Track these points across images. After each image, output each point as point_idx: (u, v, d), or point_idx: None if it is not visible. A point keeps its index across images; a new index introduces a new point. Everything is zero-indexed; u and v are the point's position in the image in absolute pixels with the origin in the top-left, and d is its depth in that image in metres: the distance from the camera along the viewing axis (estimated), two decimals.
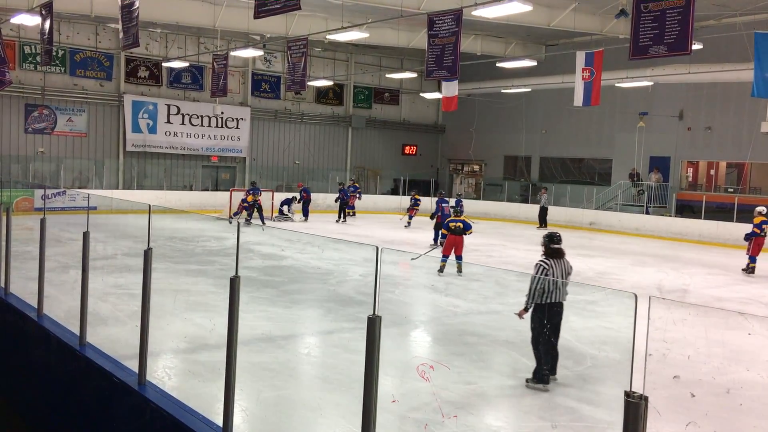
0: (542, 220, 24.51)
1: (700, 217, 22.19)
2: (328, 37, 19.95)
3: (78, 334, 6.77)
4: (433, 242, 17.55)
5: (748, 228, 15.61)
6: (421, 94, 31.81)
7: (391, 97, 33.03)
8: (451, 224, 13.21)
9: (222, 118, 27.91)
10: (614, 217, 24.41)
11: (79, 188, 24.06)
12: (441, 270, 13.00)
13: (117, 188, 25.41)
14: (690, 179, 25.88)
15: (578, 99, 17.70)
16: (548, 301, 6.47)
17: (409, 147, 33.75)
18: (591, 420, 5.87)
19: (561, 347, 8.10)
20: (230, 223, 21.66)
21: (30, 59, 24.07)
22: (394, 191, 30.92)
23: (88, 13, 19.87)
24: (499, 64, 23.10)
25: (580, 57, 17.54)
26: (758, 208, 15.62)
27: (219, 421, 4.76)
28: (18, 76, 23.59)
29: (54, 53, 22.23)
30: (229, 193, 24.20)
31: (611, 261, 16.57)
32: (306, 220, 23.61)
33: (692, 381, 6.80)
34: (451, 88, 23.16)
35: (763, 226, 15.19)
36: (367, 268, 11.06)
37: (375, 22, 17.70)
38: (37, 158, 24.58)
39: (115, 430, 6.05)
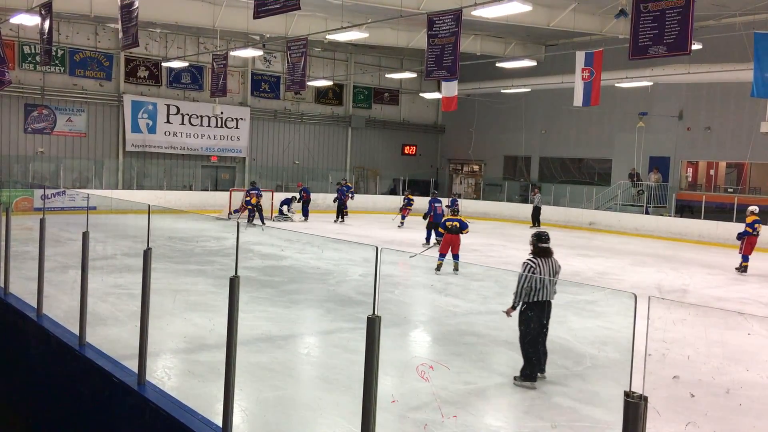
0: (535, 220, 24.60)
1: (699, 217, 22.20)
2: (328, 37, 19.95)
3: (77, 334, 6.77)
4: (425, 241, 17.60)
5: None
6: (421, 94, 31.81)
7: (390, 97, 33.03)
8: (447, 223, 13.39)
9: (221, 118, 27.91)
10: (614, 217, 24.42)
11: (79, 188, 24.05)
12: (438, 268, 13.15)
13: (116, 188, 25.40)
14: (689, 179, 25.89)
15: (578, 99, 17.72)
16: (536, 299, 6.52)
17: (408, 147, 33.75)
18: (590, 420, 5.87)
19: (561, 347, 8.09)
20: (229, 218, 21.68)
21: (29, 59, 24.07)
22: (393, 191, 30.91)
23: (87, 13, 19.87)
24: (498, 64, 23.11)
25: (580, 57, 17.55)
26: (750, 208, 15.72)
27: (218, 421, 4.76)
28: (17, 76, 23.58)
29: (53, 53, 22.27)
30: (228, 193, 24.20)
31: (611, 261, 16.57)
32: (306, 220, 23.61)
33: (692, 381, 6.80)
34: (450, 88, 23.17)
35: (756, 226, 15.27)
36: (367, 268, 11.06)
37: (374, 22, 17.70)
38: (36, 158, 24.58)
39: (114, 430, 6.05)
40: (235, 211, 22.21)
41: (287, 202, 23.86)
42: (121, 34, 14.21)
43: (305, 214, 23.92)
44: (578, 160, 28.97)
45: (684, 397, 6.30)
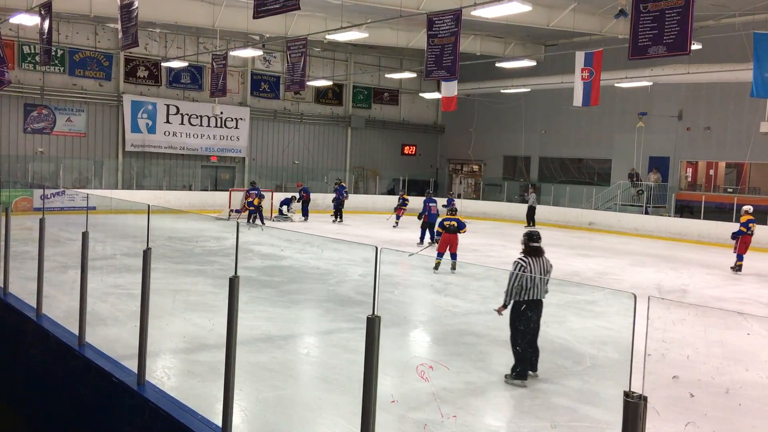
0: (530, 219, 24.66)
1: (699, 218, 22.21)
2: (328, 37, 19.95)
3: (77, 334, 6.76)
4: (419, 241, 17.63)
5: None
6: (421, 94, 31.82)
7: (390, 97, 33.03)
8: (445, 222, 13.52)
9: (221, 118, 27.90)
10: (613, 218, 24.42)
11: (79, 188, 24.05)
12: (436, 267, 13.27)
13: (116, 188, 25.40)
14: (689, 179, 25.90)
15: (577, 99, 17.72)
16: (526, 298, 6.56)
17: (408, 147, 33.75)
18: (590, 420, 5.87)
19: (561, 347, 8.10)
20: (228, 218, 21.68)
21: (29, 59, 24.07)
22: (392, 192, 30.91)
23: (87, 13, 19.87)
24: (498, 64, 23.11)
25: (580, 57, 17.55)
26: (745, 207, 15.83)
27: (218, 421, 4.76)
28: (17, 76, 23.56)
29: (53, 53, 22.25)
30: (228, 193, 24.20)
31: (610, 261, 16.57)
32: (306, 219, 23.61)
33: (691, 381, 6.80)
34: (450, 88, 23.17)
35: (750, 225, 15.36)
36: (367, 268, 11.06)
37: (374, 22, 17.70)
38: (36, 158, 24.57)
39: (114, 430, 6.04)
40: (237, 211, 22.19)
41: (287, 202, 23.86)
42: (120, 34, 14.20)
43: (305, 214, 23.92)
44: (578, 160, 28.97)
45: (683, 397, 6.31)
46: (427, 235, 17.57)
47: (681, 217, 23.39)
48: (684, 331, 7.59)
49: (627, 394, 2.79)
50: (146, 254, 5.60)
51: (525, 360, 6.57)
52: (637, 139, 25.04)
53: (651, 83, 23.02)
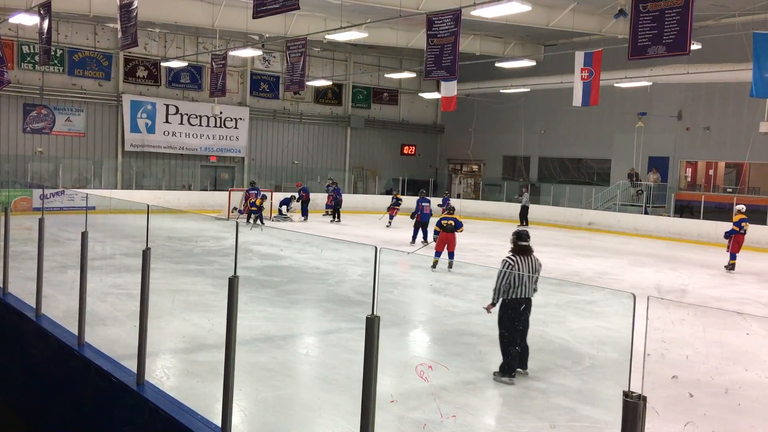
0: (523, 218, 24.77)
1: (698, 218, 22.21)
2: (327, 37, 19.95)
3: (76, 334, 6.76)
4: (411, 240, 17.68)
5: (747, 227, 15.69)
6: (420, 94, 31.82)
7: (389, 97, 33.03)
8: (443, 221, 13.65)
9: (221, 118, 27.90)
10: (613, 218, 24.43)
11: (78, 188, 24.04)
12: (434, 266, 13.41)
13: (115, 188, 25.39)
14: (689, 179, 25.91)
15: (577, 99, 17.73)
16: (514, 296, 6.63)
17: (407, 147, 33.75)
18: (589, 420, 5.87)
19: (560, 347, 8.11)
20: (227, 218, 21.67)
21: (28, 59, 24.06)
22: (389, 192, 30.87)
23: (86, 12, 19.86)
24: (498, 64, 23.12)
25: (579, 57, 17.56)
26: (738, 207, 16.01)
27: (218, 421, 4.76)
28: (16, 76, 23.55)
29: (52, 53, 22.25)
30: (227, 193, 24.20)
31: (610, 261, 16.58)
32: (305, 219, 23.62)
33: (691, 381, 6.80)
34: (450, 88, 23.18)
35: (743, 224, 15.49)
36: (366, 268, 11.06)
37: (374, 22, 17.70)
38: (35, 158, 24.57)
39: (113, 430, 6.04)
40: (240, 211, 22.12)
41: (286, 202, 23.87)
42: (120, 34, 14.20)
43: (304, 213, 23.93)
44: (577, 160, 28.98)
45: (683, 397, 6.31)
46: (420, 234, 17.66)
47: (680, 217, 23.40)
48: (683, 331, 7.59)
49: (626, 394, 2.79)
50: (145, 254, 5.60)
51: (513, 358, 6.64)
52: (637, 139, 25.04)
53: (650, 83, 23.02)
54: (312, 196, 24.75)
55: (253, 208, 21.29)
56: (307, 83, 22.83)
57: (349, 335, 8.15)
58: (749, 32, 15.26)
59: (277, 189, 26.82)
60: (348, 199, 27.01)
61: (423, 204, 17.67)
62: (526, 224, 24.10)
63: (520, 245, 6.94)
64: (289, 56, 16.52)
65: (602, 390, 6.67)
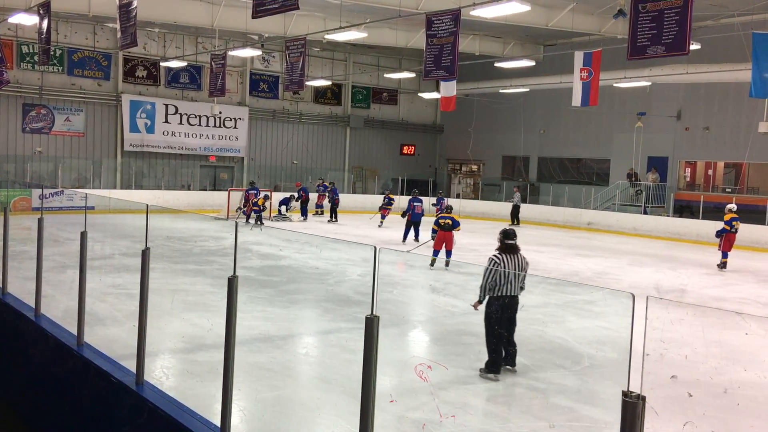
0: (514, 218, 24.89)
1: (698, 217, 22.22)
2: (327, 36, 19.94)
3: (75, 333, 6.75)
4: (402, 240, 17.74)
5: (746, 228, 15.76)
6: (420, 94, 31.82)
7: (389, 97, 33.03)
8: (441, 221, 13.87)
9: (220, 117, 27.89)
10: (612, 217, 24.43)
11: (77, 188, 24.03)
12: (432, 264, 13.62)
13: (115, 188, 25.39)
14: (688, 179, 25.92)
15: (576, 99, 17.74)
16: (499, 294, 6.71)
17: (407, 147, 33.75)
18: (589, 420, 5.88)
19: (559, 347, 8.11)
20: (227, 218, 21.67)
21: (28, 59, 24.04)
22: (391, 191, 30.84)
23: (85, 12, 19.86)
24: (497, 64, 23.13)
25: (578, 57, 17.57)
26: (729, 206, 16.13)
27: (217, 421, 4.76)
28: (16, 76, 23.55)
29: (52, 53, 22.22)
30: (227, 192, 24.19)
31: (609, 261, 16.58)
32: (305, 219, 23.62)
33: (690, 381, 6.80)
34: (449, 88, 23.17)
35: (734, 223, 15.61)
36: (366, 268, 11.06)
37: (373, 21, 17.70)
38: (34, 158, 24.55)
39: (112, 430, 6.04)
40: (244, 212, 22.07)
41: (285, 201, 23.87)
42: (119, 34, 14.20)
43: (304, 213, 23.93)
44: (577, 160, 28.99)
45: (682, 397, 6.31)
46: (412, 233, 17.72)
47: (680, 216, 23.40)
48: (682, 331, 7.60)
49: (625, 394, 2.79)
50: (145, 254, 5.59)
51: (498, 354, 6.72)
52: (636, 139, 25.06)
53: (650, 83, 23.03)
54: (311, 196, 24.74)
55: (255, 208, 21.32)
56: (307, 83, 22.85)
57: (348, 335, 8.15)
58: (748, 32, 15.27)
59: (276, 189, 26.81)
60: (347, 199, 27.02)
61: (415, 204, 17.76)
62: (518, 224, 24.27)
63: (507, 244, 7.03)
64: (288, 56, 16.51)
65: (601, 390, 6.67)
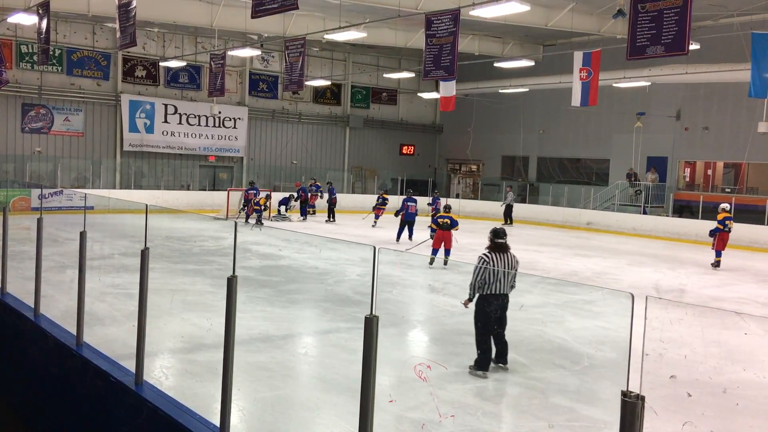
0: (508, 217, 24.96)
1: (697, 217, 22.23)
2: (326, 36, 19.94)
3: (75, 333, 6.76)
4: (396, 239, 17.84)
5: (745, 228, 15.77)
6: (419, 94, 31.81)
7: (388, 97, 33.02)
8: (439, 220, 14.02)
9: (219, 117, 27.89)
10: (612, 217, 24.44)
11: (77, 188, 24.02)
12: (431, 262, 13.73)
13: (114, 188, 25.37)
14: (687, 179, 25.93)
15: (576, 99, 17.76)
16: (489, 292, 6.79)
17: (406, 147, 33.75)
18: (588, 420, 5.88)
19: (559, 347, 8.12)
20: (226, 218, 21.67)
21: (27, 58, 24.03)
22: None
23: (85, 12, 19.83)
24: (496, 64, 23.13)
25: (578, 57, 17.58)
26: (722, 205, 16.23)
27: (216, 421, 4.76)
28: (15, 76, 23.54)
29: (51, 53, 22.23)
30: (226, 192, 24.18)
31: (609, 261, 16.59)
32: (304, 219, 23.61)
33: (689, 381, 6.81)
34: (448, 88, 23.18)
35: (727, 222, 15.71)
36: (365, 268, 11.06)
37: (373, 21, 17.70)
38: (33, 158, 24.54)
39: (112, 430, 6.04)
40: (246, 213, 22.04)
41: (285, 201, 23.87)
42: (118, 34, 14.19)
43: (303, 213, 23.92)
44: (576, 160, 28.99)
45: (681, 397, 6.31)
46: (405, 233, 17.82)
47: (680, 216, 23.42)
48: (682, 331, 7.61)
49: (625, 394, 2.79)
50: (144, 254, 5.59)
51: (487, 352, 6.77)
52: (636, 139, 25.06)
53: (649, 83, 23.03)
54: (311, 196, 24.72)
55: (256, 207, 21.33)
56: (306, 83, 22.82)
57: (347, 335, 8.15)
58: (748, 32, 15.29)
59: (275, 189, 26.81)
60: (346, 199, 27.02)
61: (409, 204, 17.84)
62: (510, 223, 24.39)
63: (497, 242, 7.10)
64: (287, 56, 16.51)
65: (601, 390, 6.67)
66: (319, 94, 31.11)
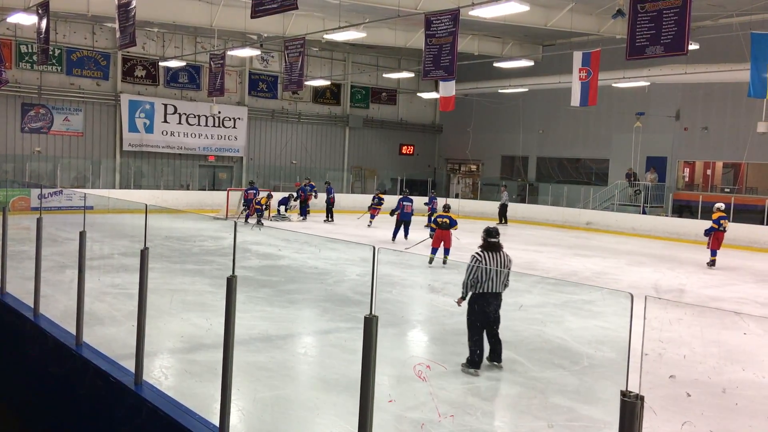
0: (502, 216, 25.05)
1: (696, 217, 22.24)
2: (326, 36, 19.95)
3: (74, 333, 6.75)
4: (392, 239, 17.90)
5: (744, 227, 15.80)
6: (419, 94, 31.82)
7: (388, 97, 33.03)
8: (438, 219, 14.11)
9: (219, 117, 27.89)
10: (611, 217, 24.45)
11: (76, 188, 24.01)
12: (430, 261, 13.85)
13: (114, 188, 25.37)
14: (686, 179, 25.94)
15: (575, 99, 17.76)
16: (481, 291, 6.85)
17: (406, 147, 33.75)
18: (587, 420, 5.88)
19: (558, 347, 8.12)
20: (225, 217, 21.67)
21: (26, 58, 24.02)
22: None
23: (84, 12, 19.83)
24: (496, 64, 23.13)
25: (577, 57, 17.58)
26: (717, 205, 16.41)
27: (216, 421, 4.76)
28: (14, 76, 23.54)
29: (50, 52, 22.22)
30: (226, 192, 24.18)
31: (608, 261, 16.60)
32: (304, 219, 23.61)
33: (688, 380, 6.81)
34: (448, 88, 23.18)
35: (721, 222, 15.83)
36: (364, 268, 11.07)
37: (372, 21, 17.70)
38: (33, 157, 24.53)
39: (111, 430, 6.04)
40: (248, 214, 22.02)
41: (284, 201, 23.87)
42: (118, 34, 14.19)
43: (303, 213, 23.92)
44: (575, 160, 29.00)
45: (680, 397, 6.32)
46: (401, 233, 17.94)
47: (679, 216, 23.43)
48: (681, 331, 7.61)
49: (624, 394, 2.79)
50: (144, 254, 5.59)
51: (478, 350, 6.81)
52: (635, 139, 25.07)
53: (648, 83, 23.04)
54: (319, 196, 24.70)
55: (258, 206, 21.33)
56: (306, 83, 22.83)
57: (347, 335, 8.15)
58: (747, 32, 15.29)
59: (274, 189, 26.80)
60: (346, 199, 27.03)
61: (404, 203, 17.88)
62: (505, 222, 24.45)
63: (489, 242, 7.14)
64: (287, 56, 16.51)
65: (600, 389, 6.68)
66: (318, 94, 31.11)
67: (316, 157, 31.13)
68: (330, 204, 23.83)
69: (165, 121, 26.80)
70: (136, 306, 5.71)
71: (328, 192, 24.12)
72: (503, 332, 7.02)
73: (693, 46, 12.27)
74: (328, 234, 19.81)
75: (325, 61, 30.60)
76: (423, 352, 8.23)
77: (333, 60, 30.90)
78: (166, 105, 26.82)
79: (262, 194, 21.94)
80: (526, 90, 27.38)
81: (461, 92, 27.49)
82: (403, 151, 33.69)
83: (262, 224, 21.32)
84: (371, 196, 27.86)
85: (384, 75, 30.57)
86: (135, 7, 13.54)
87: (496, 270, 6.92)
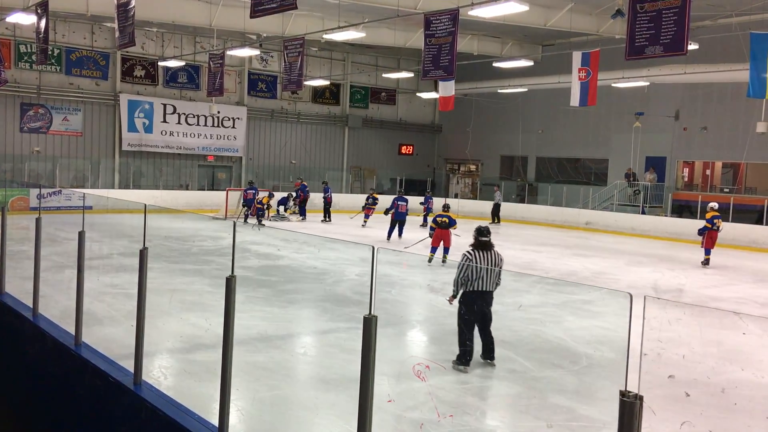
0: (495, 216, 25.22)
1: (696, 217, 22.25)
2: (325, 36, 19.93)
3: (73, 333, 6.75)
4: (387, 238, 17.95)
5: (744, 227, 15.81)
6: (418, 94, 31.82)
7: (387, 97, 33.02)
8: (438, 219, 14.19)
9: (218, 117, 27.88)
10: (610, 217, 24.45)
11: (75, 188, 23.99)
12: (430, 260, 13.93)
13: (113, 188, 25.36)
14: (686, 179, 25.95)
15: (575, 99, 17.76)
16: (472, 289, 6.95)
17: (405, 147, 33.75)
18: (586, 419, 5.88)
19: (557, 347, 8.12)
20: (228, 218, 21.67)
21: (25, 58, 24.01)
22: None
23: (83, 12, 19.82)
24: (495, 64, 23.13)
25: (577, 57, 17.58)
26: (711, 204, 16.57)
27: (215, 421, 4.76)
28: (13, 75, 23.52)
29: (49, 52, 22.18)
30: (225, 192, 24.17)
31: (607, 261, 16.60)
32: (303, 219, 23.60)
33: (687, 380, 6.81)
34: (447, 88, 23.19)
35: (715, 221, 15.93)
36: (364, 268, 11.06)
37: (371, 21, 17.70)
38: (32, 157, 24.52)
39: (110, 430, 6.04)
40: (249, 214, 22.01)
41: (284, 201, 23.86)
42: (117, 33, 14.18)
43: (302, 213, 23.91)
44: (575, 160, 29.01)
45: (679, 397, 6.32)
46: (396, 232, 18.00)
47: (678, 216, 23.44)
48: (680, 331, 7.62)
49: (623, 394, 2.79)
50: (143, 254, 5.59)
51: (468, 347, 6.87)
52: (634, 139, 25.08)
53: (648, 83, 23.05)
54: (311, 195, 24.68)
55: (259, 206, 21.33)
56: (305, 83, 22.79)
57: (346, 335, 8.15)
58: (746, 32, 15.29)
59: (274, 189, 26.79)
60: (346, 199, 27.02)
61: (399, 203, 17.92)
62: (498, 222, 24.50)
63: (481, 241, 7.24)
64: (286, 56, 16.51)
65: (599, 389, 6.68)
66: (318, 94, 31.10)
67: (315, 157, 31.12)
68: (327, 204, 23.81)
69: (164, 120, 26.79)
70: (135, 306, 5.71)
71: (325, 191, 24.10)
72: (503, 332, 7.03)
73: (692, 46, 12.28)
74: (326, 234, 19.81)
75: (324, 61, 30.60)
76: (422, 352, 8.23)
77: (332, 60, 30.90)
78: (165, 105, 26.81)
79: (263, 194, 21.93)
80: (526, 90, 27.38)
81: (460, 92, 27.49)
82: (403, 151, 33.69)
83: (263, 224, 21.31)
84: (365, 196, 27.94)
85: (383, 75, 30.56)
86: (134, 6, 13.53)
87: (487, 268, 6.98)
